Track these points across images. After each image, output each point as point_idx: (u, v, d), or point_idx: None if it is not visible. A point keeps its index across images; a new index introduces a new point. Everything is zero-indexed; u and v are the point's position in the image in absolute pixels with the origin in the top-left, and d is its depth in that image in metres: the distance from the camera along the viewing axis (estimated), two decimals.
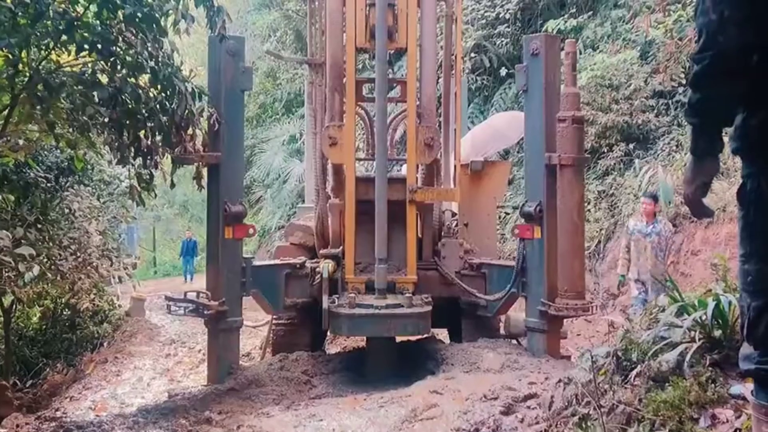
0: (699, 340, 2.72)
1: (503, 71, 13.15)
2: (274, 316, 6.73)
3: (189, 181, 5.94)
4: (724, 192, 7.37)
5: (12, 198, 6.13)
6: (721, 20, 1.69)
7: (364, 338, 6.16)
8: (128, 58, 4.44)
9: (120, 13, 4.33)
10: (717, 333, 2.72)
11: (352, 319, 5.38)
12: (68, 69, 4.58)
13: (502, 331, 6.37)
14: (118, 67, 4.46)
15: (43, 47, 4.41)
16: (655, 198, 7.60)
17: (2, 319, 7.75)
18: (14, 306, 7.99)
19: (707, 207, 1.96)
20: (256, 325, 9.36)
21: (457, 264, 6.24)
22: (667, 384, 2.64)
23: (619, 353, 3.02)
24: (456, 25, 6.52)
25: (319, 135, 6.13)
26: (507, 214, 11.31)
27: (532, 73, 5.61)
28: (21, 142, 5.35)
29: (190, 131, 5.20)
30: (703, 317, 2.76)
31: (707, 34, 1.72)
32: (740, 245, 1.88)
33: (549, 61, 5.51)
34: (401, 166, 7.31)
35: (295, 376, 5.58)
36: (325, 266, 5.89)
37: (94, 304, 9.51)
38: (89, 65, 4.54)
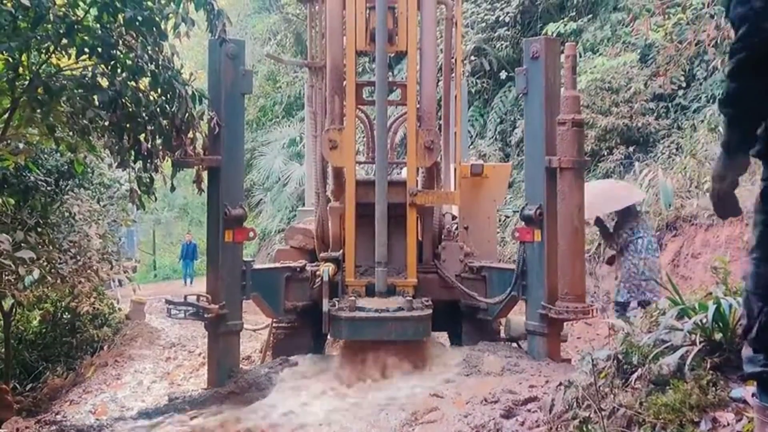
0: (700, 343, 2.72)
1: (503, 74, 13.18)
2: (274, 320, 6.72)
3: (189, 185, 5.95)
4: None
5: (12, 201, 6.11)
6: (765, 8, 1.62)
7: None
8: (128, 62, 4.44)
9: (120, 17, 4.33)
10: (718, 336, 2.71)
11: (352, 323, 5.37)
12: (68, 72, 4.58)
13: (502, 335, 6.36)
14: (119, 70, 4.46)
15: (44, 51, 4.41)
16: None
17: (2, 322, 7.74)
18: (14, 309, 7.99)
19: (737, 204, 1.90)
20: (256, 329, 9.34)
21: (457, 267, 6.23)
22: (667, 387, 2.63)
23: (620, 356, 3.01)
24: (456, 28, 6.51)
25: (320, 138, 6.12)
26: (507, 217, 11.32)
27: (532, 76, 5.60)
28: (21, 145, 5.35)
29: (190, 134, 5.20)
30: (704, 320, 2.75)
31: (750, 23, 1.65)
32: (756, 248, 1.84)
33: (549, 64, 5.50)
34: (401, 169, 7.30)
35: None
36: (326, 269, 5.88)
37: (94, 308, 9.50)
38: (89, 69, 4.53)
